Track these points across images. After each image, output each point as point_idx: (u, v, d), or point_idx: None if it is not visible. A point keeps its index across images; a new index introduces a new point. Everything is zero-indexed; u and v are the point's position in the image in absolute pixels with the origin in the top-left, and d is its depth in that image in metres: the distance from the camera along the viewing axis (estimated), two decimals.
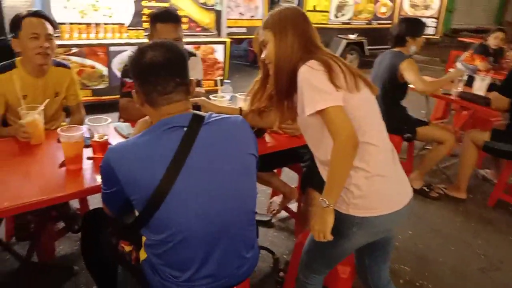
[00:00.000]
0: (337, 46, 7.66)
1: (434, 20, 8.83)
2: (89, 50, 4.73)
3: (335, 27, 7.90)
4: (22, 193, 1.48)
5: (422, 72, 3.32)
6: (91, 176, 1.66)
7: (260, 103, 1.74)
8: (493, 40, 4.92)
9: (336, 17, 7.92)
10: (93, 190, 1.59)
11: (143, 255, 1.39)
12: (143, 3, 5.14)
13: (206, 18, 5.75)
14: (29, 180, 1.60)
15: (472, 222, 3.09)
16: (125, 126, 2.09)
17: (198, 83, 2.56)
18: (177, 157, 1.23)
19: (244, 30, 6.67)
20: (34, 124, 1.87)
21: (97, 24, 4.82)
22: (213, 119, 1.35)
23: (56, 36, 4.59)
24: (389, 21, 8.40)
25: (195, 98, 1.94)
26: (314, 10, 7.55)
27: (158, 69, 1.30)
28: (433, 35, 8.93)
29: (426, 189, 3.39)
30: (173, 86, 1.31)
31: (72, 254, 2.41)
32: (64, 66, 2.28)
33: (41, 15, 2.08)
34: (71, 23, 4.66)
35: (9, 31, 2.08)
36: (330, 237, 1.44)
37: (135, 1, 5.09)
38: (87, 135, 1.80)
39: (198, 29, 5.71)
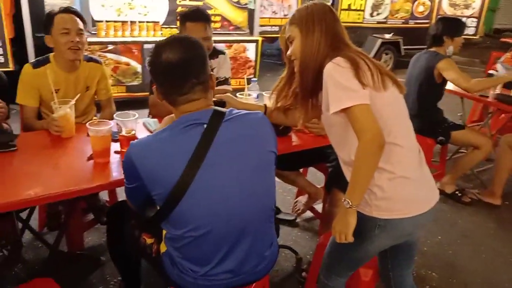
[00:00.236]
0: (372, 45, 7.51)
1: (475, 19, 8.52)
2: (124, 48, 4.85)
3: (370, 26, 7.76)
4: (51, 183, 1.53)
5: None
6: (117, 169, 1.69)
7: (285, 101, 1.73)
8: None
9: (372, 16, 7.78)
10: (119, 183, 1.62)
11: (163, 248, 1.41)
12: (178, 2, 5.23)
13: (239, 17, 5.78)
14: (59, 171, 1.65)
15: (505, 229, 2.97)
16: (153, 122, 2.13)
17: (226, 81, 2.57)
18: (197, 154, 1.24)
19: (276, 29, 6.66)
20: (66, 118, 1.93)
21: (132, 22, 4.93)
22: (234, 115, 1.35)
23: (93, 34, 4.79)
24: (427, 21, 8.17)
25: (221, 95, 1.95)
26: (349, 9, 7.45)
27: (174, 70, 1.29)
28: (473, 35, 8.62)
29: (458, 194, 3.28)
30: (190, 86, 1.31)
31: (100, 245, 2.48)
32: (95, 61, 2.35)
33: (71, 11, 2.15)
34: (107, 21, 4.79)
35: (43, 28, 2.14)
36: (351, 239, 1.41)
37: (169, 0, 5.18)
38: (115, 129, 1.84)
39: (231, 27, 5.75)
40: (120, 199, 2.42)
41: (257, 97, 2.32)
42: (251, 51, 5.77)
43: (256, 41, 5.78)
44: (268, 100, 2.09)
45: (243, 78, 5.52)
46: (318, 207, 2.72)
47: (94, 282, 2.21)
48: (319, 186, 2.64)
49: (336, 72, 1.36)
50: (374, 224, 1.44)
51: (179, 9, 5.20)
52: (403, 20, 8.13)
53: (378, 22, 7.88)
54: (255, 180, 1.34)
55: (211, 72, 1.40)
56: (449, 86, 3.26)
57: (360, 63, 1.37)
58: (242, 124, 1.36)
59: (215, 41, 2.57)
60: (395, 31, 7.86)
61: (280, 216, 2.84)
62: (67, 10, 2.14)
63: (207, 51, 2.38)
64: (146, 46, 4.91)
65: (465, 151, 3.62)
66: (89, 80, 2.30)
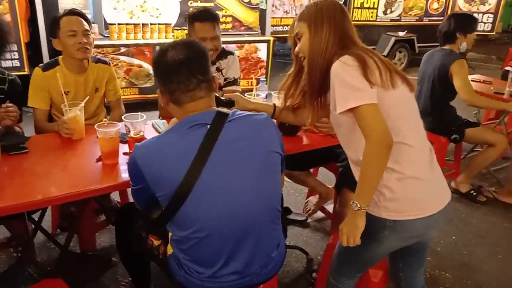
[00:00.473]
0: (385, 43, 7.43)
1: (491, 15, 8.35)
2: (136, 50, 4.89)
3: (384, 24, 7.68)
4: (60, 185, 1.55)
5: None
6: (126, 171, 1.69)
7: (294, 100, 1.71)
8: None
9: (385, 14, 7.69)
10: (127, 184, 1.62)
11: (170, 250, 1.42)
12: (189, 3, 5.25)
13: (250, 17, 5.78)
14: (68, 173, 1.67)
15: None
16: (162, 123, 2.14)
17: (235, 81, 2.57)
18: (200, 154, 1.24)
19: (288, 28, 6.63)
20: (76, 120, 1.95)
21: (144, 25, 4.97)
22: (237, 116, 1.34)
23: (106, 36, 4.83)
24: (442, 18, 8.03)
25: (230, 94, 1.95)
26: (362, 7, 7.38)
27: (180, 66, 1.30)
28: (490, 31, 8.45)
29: (474, 193, 3.22)
30: (196, 83, 1.31)
31: (111, 246, 2.50)
32: (103, 62, 2.37)
33: (76, 13, 2.17)
34: (120, 24, 4.84)
35: (50, 32, 2.16)
36: (358, 242, 1.38)
37: (180, 2, 5.21)
38: (123, 131, 1.85)
39: (242, 28, 5.75)
40: (130, 201, 2.44)
41: (266, 97, 2.32)
42: (262, 52, 5.76)
43: (267, 41, 5.77)
44: (277, 100, 2.09)
45: (255, 79, 5.56)
46: (329, 207, 2.69)
47: (106, 283, 2.22)
48: (330, 186, 2.61)
49: (343, 71, 1.33)
50: (382, 225, 1.41)
51: (191, 10, 5.22)
52: (417, 18, 8.03)
53: (392, 20, 7.79)
54: (258, 180, 1.33)
55: (214, 75, 1.40)
56: None
57: (368, 61, 1.34)
58: (246, 125, 1.35)
59: (227, 42, 2.58)
60: (409, 28, 7.75)
61: (291, 216, 2.82)
62: (72, 12, 2.16)
63: (216, 51, 2.42)
64: (158, 48, 4.94)
65: (480, 149, 3.54)
66: (98, 81, 2.32)
